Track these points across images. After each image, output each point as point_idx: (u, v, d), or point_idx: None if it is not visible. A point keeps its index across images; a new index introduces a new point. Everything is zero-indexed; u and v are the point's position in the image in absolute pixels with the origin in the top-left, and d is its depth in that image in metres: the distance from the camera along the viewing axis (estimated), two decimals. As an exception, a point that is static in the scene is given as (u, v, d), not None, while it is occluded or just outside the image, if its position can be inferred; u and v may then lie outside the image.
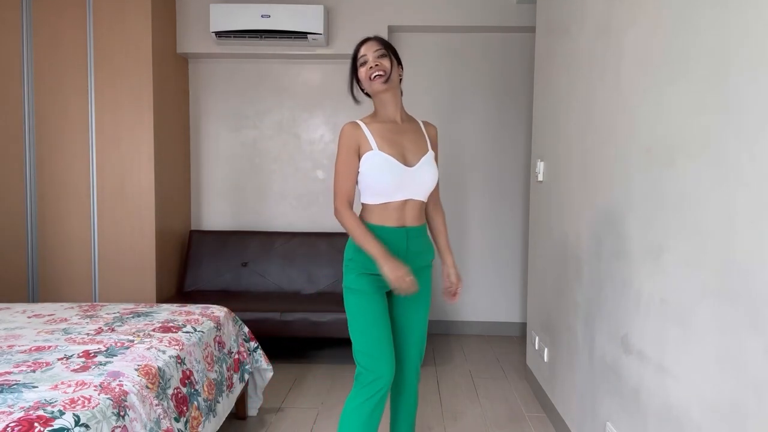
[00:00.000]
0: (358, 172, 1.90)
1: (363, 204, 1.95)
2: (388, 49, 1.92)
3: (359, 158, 1.88)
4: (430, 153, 1.96)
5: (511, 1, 3.94)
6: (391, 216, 1.89)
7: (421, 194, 1.93)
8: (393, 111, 1.96)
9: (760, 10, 1.22)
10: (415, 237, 1.94)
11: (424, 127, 2.03)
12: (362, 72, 1.91)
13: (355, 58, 1.94)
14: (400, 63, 1.97)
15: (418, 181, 1.90)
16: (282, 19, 3.76)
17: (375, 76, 1.88)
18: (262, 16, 3.76)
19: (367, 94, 2.00)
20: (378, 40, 1.93)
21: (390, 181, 1.85)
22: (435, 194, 2.07)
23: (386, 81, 1.89)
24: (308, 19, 3.77)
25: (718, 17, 1.39)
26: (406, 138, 1.93)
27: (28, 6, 3.59)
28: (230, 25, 3.78)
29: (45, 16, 3.59)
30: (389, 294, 1.99)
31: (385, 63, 1.88)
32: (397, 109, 1.97)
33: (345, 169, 1.89)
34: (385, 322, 1.89)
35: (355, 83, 1.98)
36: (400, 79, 1.98)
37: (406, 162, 1.88)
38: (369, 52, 1.89)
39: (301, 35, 3.82)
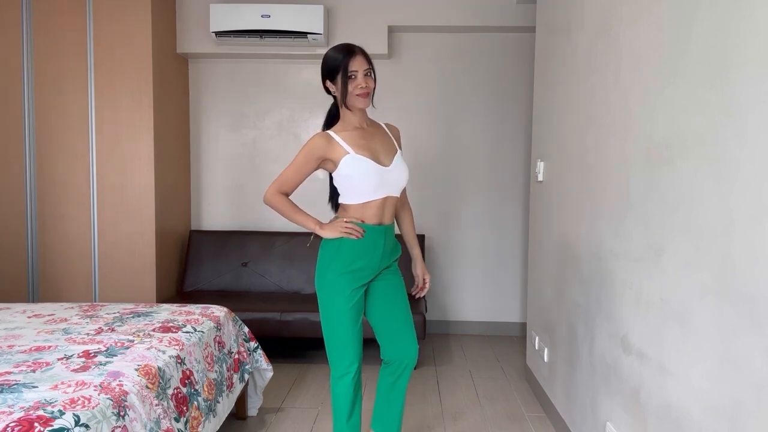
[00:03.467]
0: (332, 176, 2.06)
1: (343, 204, 2.07)
2: (372, 67, 2.01)
3: (320, 166, 2.03)
4: (399, 152, 2.11)
5: (511, 1, 3.94)
6: (372, 214, 2.02)
7: (397, 191, 2.09)
8: (360, 119, 2.07)
9: (759, 10, 1.22)
10: (389, 234, 2.09)
11: (388, 129, 2.16)
12: (350, 86, 1.97)
13: (340, 67, 1.96)
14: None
15: (395, 178, 2.04)
16: (282, 19, 3.76)
17: (363, 95, 1.98)
18: (262, 16, 3.76)
19: (334, 96, 2.08)
20: (365, 55, 2.00)
21: (371, 181, 1.98)
22: (403, 190, 2.21)
23: (371, 101, 2.03)
24: (308, 19, 3.77)
25: (718, 17, 1.39)
26: (375, 141, 2.06)
27: (28, 6, 3.59)
28: (230, 25, 3.78)
29: (45, 16, 3.59)
30: (367, 291, 2.13)
31: (371, 83, 2.00)
32: (365, 118, 2.08)
33: (298, 170, 2.03)
34: (356, 321, 2.04)
35: (326, 85, 2.07)
36: None
37: (380, 162, 2.01)
38: (360, 69, 1.97)
39: (301, 35, 3.82)
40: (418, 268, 2.25)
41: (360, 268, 2.02)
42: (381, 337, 2.15)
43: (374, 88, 2.02)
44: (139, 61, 3.60)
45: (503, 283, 4.31)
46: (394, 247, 2.13)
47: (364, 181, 1.97)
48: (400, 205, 2.22)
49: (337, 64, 1.96)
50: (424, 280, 2.25)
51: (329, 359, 2.08)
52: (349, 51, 1.97)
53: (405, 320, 2.14)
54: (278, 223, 4.29)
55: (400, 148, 2.15)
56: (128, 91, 3.62)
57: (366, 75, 1.97)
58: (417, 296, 2.24)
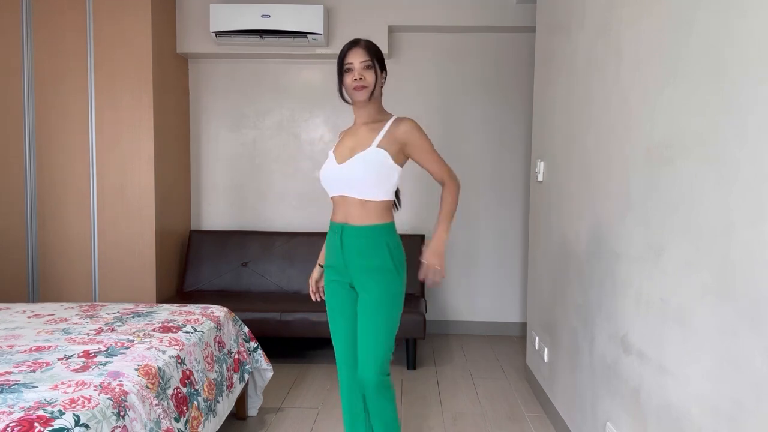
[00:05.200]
0: None
1: None
2: (374, 59, 1.92)
3: None
4: (370, 150, 1.91)
5: (511, 1, 3.94)
6: (336, 211, 2.01)
7: (355, 191, 1.92)
8: (366, 115, 2.00)
9: (759, 10, 1.23)
10: (351, 236, 1.94)
11: (392, 124, 1.96)
12: (347, 79, 1.93)
13: (341, 61, 1.94)
14: (384, 69, 1.98)
15: (345, 177, 1.93)
16: (282, 19, 3.76)
17: (358, 88, 1.91)
18: (262, 16, 3.76)
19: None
20: (365, 48, 1.92)
21: (324, 179, 2.00)
22: (438, 175, 1.99)
23: (369, 96, 1.93)
24: (308, 19, 3.77)
25: (718, 17, 1.39)
26: (355, 138, 1.99)
27: (28, 6, 3.59)
28: (230, 25, 3.78)
29: (45, 16, 3.59)
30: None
31: (369, 77, 1.91)
32: (369, 114, 1.99)
33: None
34: (337, 322, 2.04)
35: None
36: (382, 84, 2.00)
37: (339, 160, 1.97)
38: (356, 60, 1.90)
39: (301, 35, 3.82)
40: (425, 251, 1.93)
41: (330, 264, 2.04)
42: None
43: (376, 83, 1.92)
44: (139, 61, 3.60)
45: (503, 283, 4.31)
46: (364, 252, 1.93)
47: (322, 179, 2.01)
48: (442, 185, 2.00)
49: (340, 58, 1.94)
50: (428, 266, 1.91)
51: None
52: (351, 43, 1.94)
53: (362, 342, 1.95)
54: (278, 223, 4.29)
55: (395, 143, 1.93)
56: (128, 91, 3.62)
57: (365, 68, 1.90)
58: (422, 281, 2.05)
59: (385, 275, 1.94)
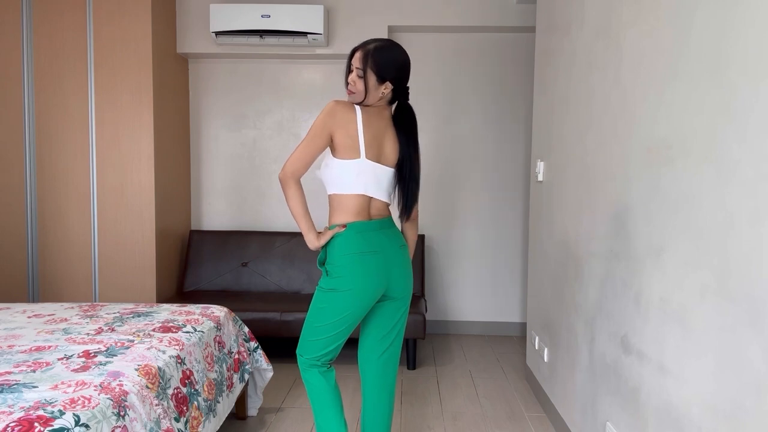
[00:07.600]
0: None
1: None
2: (369, 70, 1.87)
3: None
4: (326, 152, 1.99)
5: (511, 1, 3.95)
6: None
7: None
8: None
9: (759, 10, 1.23)
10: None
11: None
12: (348, 77, 1.95)
13: (349, 57, 1.95)
14: (388, 79, 1.90)
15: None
16: (282, 19, 3.76)
17: (348, 91, 1.95)
18: (262, 16, 3.76)
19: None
20: (365, 56, 1.88)
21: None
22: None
23: (359, 102, 1.94)
24: (308, 19, 3.77)
25: (718, 17, 1.39)
26: None
27: (28, 6, 3.59)
28: (230, 25, 3.78)
29: (45, 16, 3.59)
30: None
31: (359, 85, 1.91)
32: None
33: None
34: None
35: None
36: (384, 96, 1.94)
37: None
38: (355, 64, 1.92)
39: (301, 35, 3.82)
40: None
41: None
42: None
43: (367, 93, 1.90)
44: (139, 61, 3.60)
45: (503, 283, 4.31)
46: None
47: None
48: None
49: (350, 54, 1.95)
50: None
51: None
52: (360, 45, 1.93)
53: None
54: (278, 222, 4.29)
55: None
56: (128, 91, 3.62)
57: (357, 76, 1.90)
58: None
59: (323, 272, 2.01)
